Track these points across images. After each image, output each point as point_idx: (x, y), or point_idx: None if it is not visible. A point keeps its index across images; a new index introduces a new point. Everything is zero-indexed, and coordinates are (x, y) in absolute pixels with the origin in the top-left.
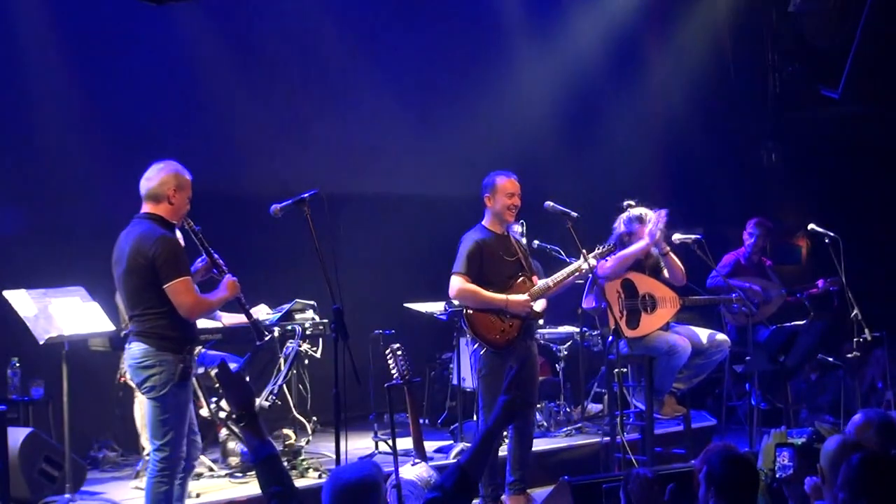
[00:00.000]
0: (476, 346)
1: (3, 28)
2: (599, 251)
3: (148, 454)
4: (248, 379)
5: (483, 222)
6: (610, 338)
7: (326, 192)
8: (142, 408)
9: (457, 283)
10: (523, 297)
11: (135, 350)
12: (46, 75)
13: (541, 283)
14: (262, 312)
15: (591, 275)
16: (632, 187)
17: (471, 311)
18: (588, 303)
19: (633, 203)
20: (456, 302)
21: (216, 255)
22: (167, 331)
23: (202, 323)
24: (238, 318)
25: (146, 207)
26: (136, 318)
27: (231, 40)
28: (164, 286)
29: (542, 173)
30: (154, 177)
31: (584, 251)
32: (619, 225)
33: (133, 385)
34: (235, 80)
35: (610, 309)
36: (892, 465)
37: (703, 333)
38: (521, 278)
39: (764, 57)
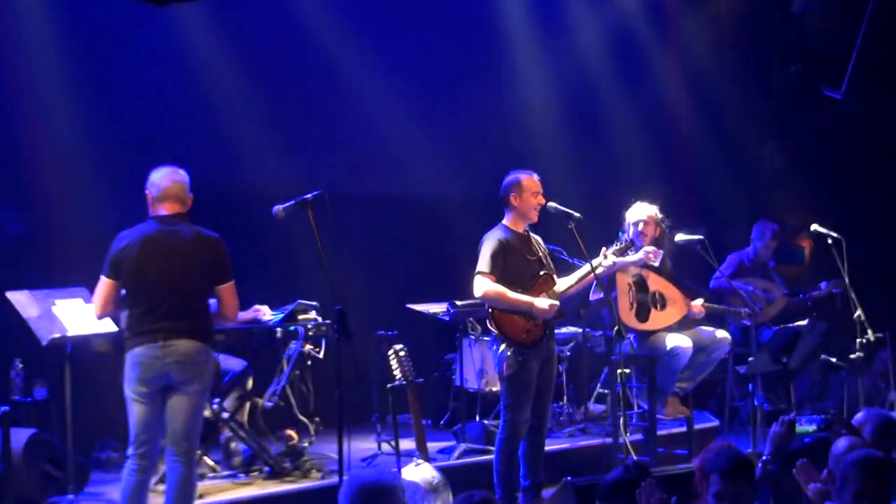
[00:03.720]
0: (503, 346)
1: (4, 28)
2: (618, 247)
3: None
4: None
5: (504, 222)
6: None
7: (329, 193)
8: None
9: (483, 283)
10: (548, 301)
11: (189, 347)
12: (49, 76)
13: (563, 281)
14: (266, 314)
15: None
16: (634, 187)
17: (497, 311)
18: (596, 295)
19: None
20: (462, 301)
21: None
22: (212, 330)
23: None
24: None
25: (175, 208)
26: (186, 315)
27: (233, 41)
28: (223, 286)
29: (543, 174)
30: (181, 179)
31: (603, 248)
32: (629, 228)
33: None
34: (237, 80)
35: (613, 304)
36: (887, 463)
37: (704, 331)
38: (542, 277)
39: (767, 57)
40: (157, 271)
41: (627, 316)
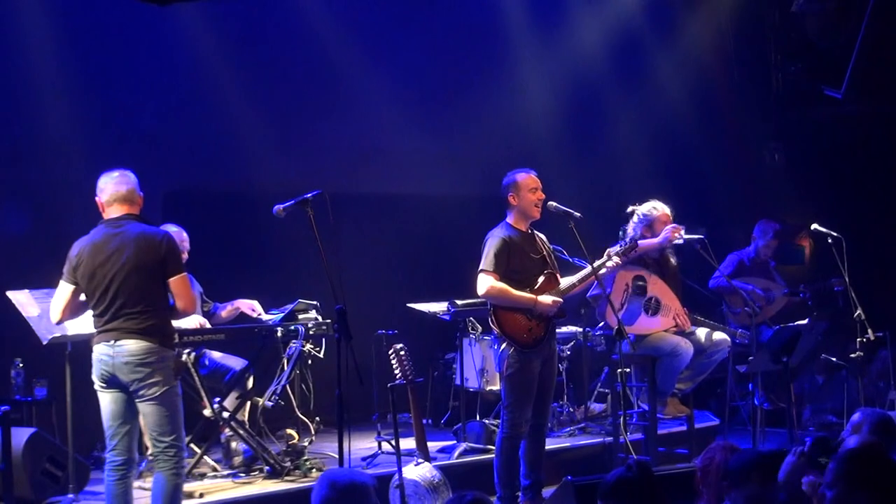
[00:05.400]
0: (504, 345)
1: (4, 29)
2: (621, 248)
3: (152, 454)
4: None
5: (508, 220)
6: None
7: (329, 193)
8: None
9: (486, 281)
10: (551, 298)
11: (133, 347)
12: (49, 76)
13: (566, 280)
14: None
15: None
16: (634, 187)
17: (499, 310)
18: (594, 292)
19: (636, 206)
20: (462, 301)
21: None
22: (168, 328)
23: (198, 323)
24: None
25: (124, 209)
26: (137, 315)
27: (234, 41)
28: (172, 279)
29: (543, 173)
30: (129, 182)
31: (608, 250)
32: (630, 228)
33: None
34: (238, 80)
35: (611, 304)
36: (882, 458)
37: (704, 333)
38: (546, 275)
39: (767, 57)
40: (104, 274)
41: (613, 316)
